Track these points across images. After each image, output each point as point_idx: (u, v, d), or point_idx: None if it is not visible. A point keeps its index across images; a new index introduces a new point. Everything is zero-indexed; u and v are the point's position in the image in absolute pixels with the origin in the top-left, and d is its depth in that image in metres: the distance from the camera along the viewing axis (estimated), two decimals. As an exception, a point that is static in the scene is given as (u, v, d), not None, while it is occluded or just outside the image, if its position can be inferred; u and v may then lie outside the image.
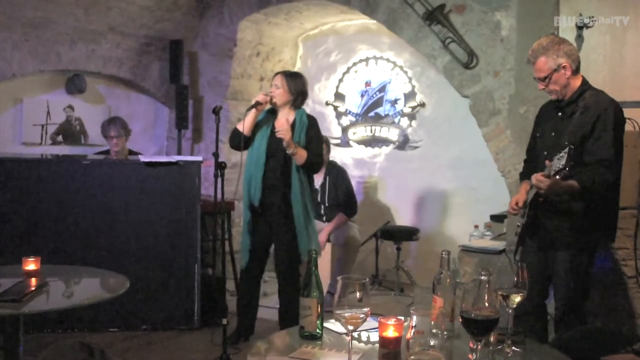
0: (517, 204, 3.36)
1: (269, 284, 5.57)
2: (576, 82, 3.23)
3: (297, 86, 4.24)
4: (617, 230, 3.36)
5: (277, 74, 4.33)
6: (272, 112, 4.30)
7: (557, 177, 2.95)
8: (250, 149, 4.25)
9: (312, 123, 4.29)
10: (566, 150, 2.93)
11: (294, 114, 4.26)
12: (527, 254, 3.37)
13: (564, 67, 3.17)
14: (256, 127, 4.24)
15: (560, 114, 3.28)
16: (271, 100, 4.20)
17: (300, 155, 4.13)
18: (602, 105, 3.13)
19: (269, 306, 5.00)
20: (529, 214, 3.26)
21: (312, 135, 4.24)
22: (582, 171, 3.06)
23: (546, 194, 3.11)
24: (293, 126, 4.20)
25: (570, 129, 3.15)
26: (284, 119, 4.13)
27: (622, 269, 3.92)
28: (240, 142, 4.14)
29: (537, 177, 3.04)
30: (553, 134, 3.24)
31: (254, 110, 4.16)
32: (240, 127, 4.19)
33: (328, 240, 5.47)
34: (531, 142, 3.49)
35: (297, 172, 4.16)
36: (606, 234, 3.28)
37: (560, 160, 2.93)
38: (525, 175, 3.46)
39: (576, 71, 3.22)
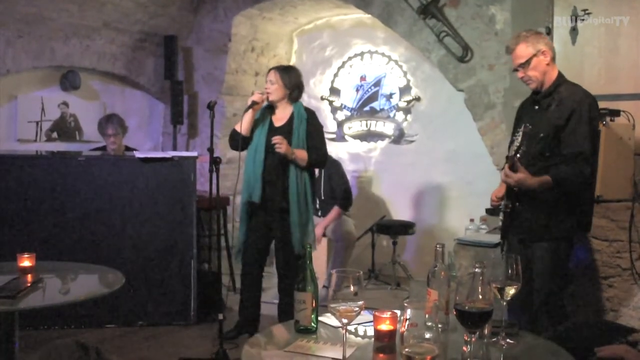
0: (496, 196, 3.47)
1: (266, 279, 5.57)
2: (553, 74, 3.30)
3: (292, 79, 4.21)
4: (592, 221, 3.44)
5: (270, 69, 4.30)
6: (270, 108, 4.29)
7: (517, 155, 3.07)
8: (250, 146, 4.23)
9: (311, 116, 4.26)
10: (522, 128, 3.07)
11: (292, 108, 4.24)
12: (510, 247, 3.42)
13: (543, 53, 3.25)
14: (254, 123, 4.22)
15: (537, 107, 3.34)
16: (268, 98, 4.19)
17: (302, 158, 4.11)
18: (578, 99, 3.19)
19: (266, 301, 4.99)
20: (506, 204, 3.33)
21: (312, 130, 4.21)
22: (559, 166, 3.13)
23: (516, 187, 3.20)
24: (291, 120, 4.19)
25: (545, 120, 3.22)
26: (279, 137, 4.06)
27: (616, 261, 3.94)
28: (239, 142, 4.13)
29: (504, 172, 3.16)
30: (530, 126, 3.28)
31: (251, 110, 4.14)
32: (238, 127, 4.16)
33: (324, 235, 5.47)
34: (512, 139, 3.53)
35: (296, 167, 4.14)
36: (582, 223, 3.35)
37: (516, 139, 3.07)
38: None
39: (553, 61, 3.30)
